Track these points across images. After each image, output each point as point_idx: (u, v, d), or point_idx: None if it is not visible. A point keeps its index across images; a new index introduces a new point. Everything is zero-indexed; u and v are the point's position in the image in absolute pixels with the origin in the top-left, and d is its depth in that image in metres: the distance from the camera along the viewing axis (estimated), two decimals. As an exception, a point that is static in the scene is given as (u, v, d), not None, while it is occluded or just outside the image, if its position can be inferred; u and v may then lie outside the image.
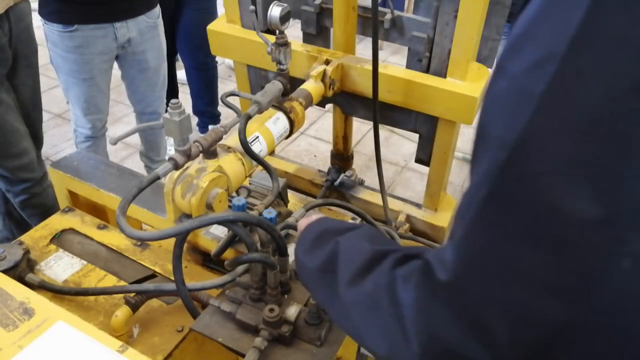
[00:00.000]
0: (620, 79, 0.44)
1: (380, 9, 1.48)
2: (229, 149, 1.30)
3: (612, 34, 0.44)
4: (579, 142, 0.46)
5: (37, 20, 2.13)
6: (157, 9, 2.39)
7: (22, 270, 1.32)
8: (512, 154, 0.49)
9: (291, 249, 1.30)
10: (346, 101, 1.72)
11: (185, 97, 3.63)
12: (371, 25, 1.42)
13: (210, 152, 1.23)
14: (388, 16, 1.56)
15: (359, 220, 1.44)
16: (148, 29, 2.34)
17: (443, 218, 1.79)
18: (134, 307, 1.25)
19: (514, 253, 0.50)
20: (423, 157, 1.74)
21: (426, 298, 0.58)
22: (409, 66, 1.59)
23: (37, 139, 2.22)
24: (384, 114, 1.63)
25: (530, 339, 0.52)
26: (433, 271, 0.57)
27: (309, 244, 0.87)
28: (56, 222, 1.58)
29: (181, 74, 3.57)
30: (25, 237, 1.51)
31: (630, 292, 0.48)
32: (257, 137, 1.34)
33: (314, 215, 1.00)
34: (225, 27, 1.76)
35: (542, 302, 0.50)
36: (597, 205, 0.45)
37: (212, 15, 3.05)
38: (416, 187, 3.23)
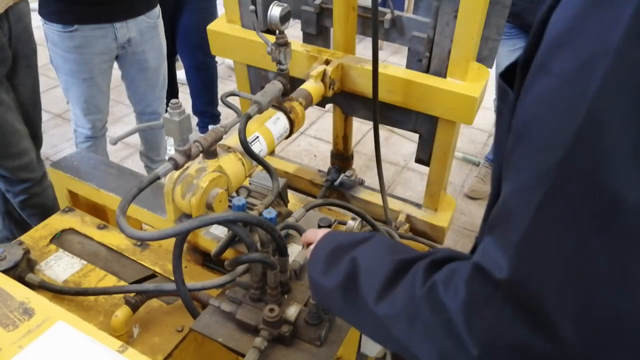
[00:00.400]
0: None
1: (380, 9, 1.48)
2: (229, 149, 1.30)
3: None
4: (636, 137, 0.46)
5: (36, 21, 2.13)
6: (157, 9, 2.39)
7: (22, 270, 1.32)
8: (570, 152, 0.50)
9: (291, 249, 1.30)
10: (346, 101, 1.72)
11: (185, 97, 3.63)
12: (371, 25, 1.42)
13: (210, 152, 1.23)
14: (388, 16, 1.56)
15: (358, 220, 1.44)
16: (148, 29, 2.34)
17: (443, 218, 1.79)
18: (134, 307, 1.25)
19: (578, 247, 0.51)
20: (423, 157, 1.74)
21: (481, 300, 0.58)
22: (409, 66, 1.59)
23: (37, 139, 2.22)
24: (384, 114, 1.63)
25: (595, 330, 0.52)
26: (488, 273, 0.57)
27: (322, 264, 0.85)
28: (56, 222, 1.58)
29: (181, 74, 3.57)
30: (25, 237, 1.51)
31: None
32: (257, 137, 1.34)
33: (320, 231, 0.99)
34: (225, 27, 1.76)
35: (607, 295, 0.51)
36: None
37: (212, 15, 3.05)
38: (416, 187, 3.23)
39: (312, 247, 0.95)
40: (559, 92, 0.51)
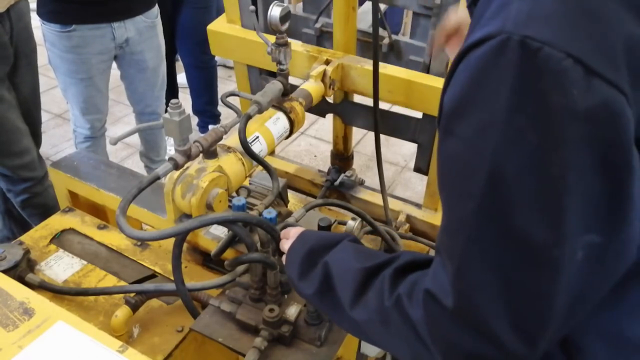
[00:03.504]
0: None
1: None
2: (229, 149, 1.30)
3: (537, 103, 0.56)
4: (530, 185, 0.58)
5: (36, 20, 2.13)
6: (156, 9, 2.39)
7: (22, 270, 1.32)
8: (480, 202, 0.61)
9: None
10: (346, 111, 1.74)
11: (185, 97, 3.63)
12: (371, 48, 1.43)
13: (210, 152, 1.23)
14: (386, 40, 1.60)
15: (358, 220, 1.44)
16: (146, 29, 2.34)
17: (443, 218, 1.78)
18: (134, 307, 1.25)
19: (500, 276, 0.63)
20: (422, 166, 1.75)
21: (436, 318, 0.69)
22: (409, 67, 1.60)
23: (37, 138, 2.22)
24: (383, 123, 1.64)
25: (532, 332, 0.64)
26: (437, 299, 0.68)
27: (299, 268, 0.94)
28: (56, 222, 1.58)
29: (181, 78, 3.57)
30: (26, 237, 1.51)
31: (584, 276, 0.62)
32: (257, 137, 1.34)
33: (292, 230, 1.03)
34: (225, 27, 1.76)
35: (533, 309, 0.63)
36: (546, 227, 0.59)
37: (211, 13, 3.05)
38: (416, 187, 3.22)
39: (285, 245, 1.02)
40: (464, 153, 0.63)
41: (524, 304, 0.63)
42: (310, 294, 0.92)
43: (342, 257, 0.90)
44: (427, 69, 1.53)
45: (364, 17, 1.73)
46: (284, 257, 1.01)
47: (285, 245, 1.01)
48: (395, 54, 1.64)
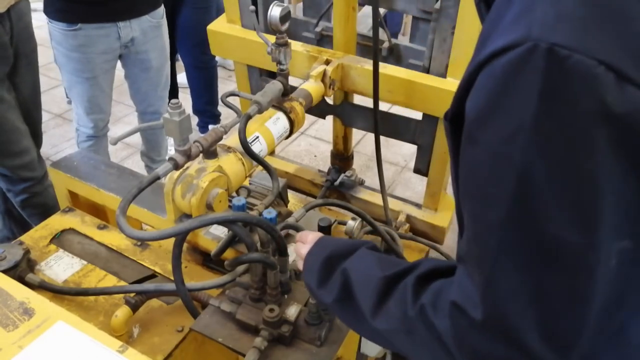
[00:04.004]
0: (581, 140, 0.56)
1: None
2: (229, 149, 1.30)
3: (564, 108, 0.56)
4: (561, 190, 0.58)
5: (37, 20, 2.13)
6: (161, 9, 2.40)
7: (22, 270, 1.32)
8: (510, 210, 0.60)
9: (291, 248, 1.30)
10: (346, 113, 1.74)
11: (185, 97, 3.63)
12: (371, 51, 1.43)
13: (210, 152, 1.23)
14: (385, 44, 1.60)
15: (358, 220, 1.44)
16: (151, 29, 2.35)
17: (443, 218, 1.79)
18: (134, 307, 1.25)
19: (533, 283, 0.62)
20: (422, 167, 1.75)
21: (463, 329, 0.69)
22: (408, 67, 1.60)
23: (37, 138, 2.22)
24: (383, 124, 1.65)
25: (559, 343, 0.63)
26: (465, 310, 0.67)
27: (317, 275, 0.93)
28: (56, 222, 1.58)
29: (181, 78, 3.58)
30: (26, 237, 1.51)
31: (617, 283, 0.62)
32: (257, 137, 1.34)
33: (310, 235, 1.02)
34: (225, 27, 1.76)
35: (564, 315, 0.62)
36: (578, 232, 0.58)
37: (211, 13, 3.05)
38: (416, 187, 3.22)
39: (302, 250, 1.00)
40: (489, 161, 0.62)
41: (557, 313, 0.62)
42: (329, 302, 0.90)
43: (362, 264, 0.88)
44: (426, 73, 1.53)
45: (364, 20, 1.74)
46: (300, 263, 1.00)
47: (303, 250, 0.99)
48: (395, 57, 1.65)
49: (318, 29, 1.71)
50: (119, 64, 2.41)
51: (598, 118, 0.54)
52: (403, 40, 4.95)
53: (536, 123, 0.56)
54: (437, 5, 1.44)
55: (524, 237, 0.61)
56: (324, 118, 1.85)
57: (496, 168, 0.61)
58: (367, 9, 1.71)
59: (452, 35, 1.40)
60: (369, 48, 1.55)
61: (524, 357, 0.64)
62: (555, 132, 0.56)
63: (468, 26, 1.37)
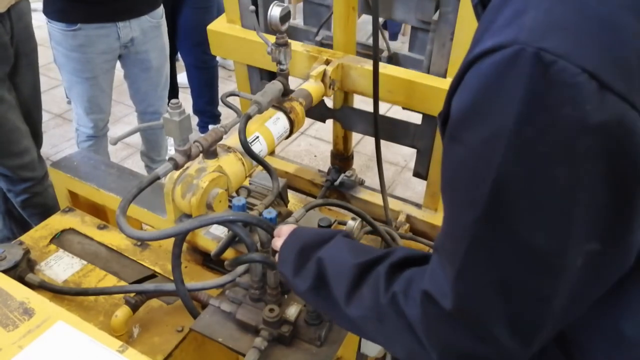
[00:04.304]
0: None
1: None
2: (229, 149, 1.30)
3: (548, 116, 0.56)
4: (536, 195, 0.59)
5: (37, 20, 2.13)
6: (161, 9, 2.40)
7: (22, 270, 1.32)
8: (484, 210, 0.61)
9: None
10: (346, 116, 1.74)
11: (185, 97, 3.63)
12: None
13: (210, 152, 1.23)
14: (385, 53, 1.61)
15: (358, 220, 1.44)
16: (151, 29, 2.35)
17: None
18: (134, 307, 1.25)
19: (500, 279, 0.64)
20: (421, 171, 1.76)
21: (434, 319, 0.71)
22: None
23: (37, 138, 2.22)
24: (382, 128, 1.65)
25: (529, 332, 0.66)
26: (435, 300, 0.69)
27: (292, 264, 0.93)
28: (56, 222, 1.58)
29: (181, 77, 3.58)
30: (26, 237, 1.51)
31: (579, 282, 0.64)
32: (257, 137, 1.34)
33: (285, 227, 1.03)
34: (225, 27, 1.76)
35: (531, 308, 0.65)
36: (549, 237, 0.60)
37: (211, 13, 3.05)
38: (416, 187, 3.22)
39: (276, 241, 1.01)
40: (470, 160, 0.63)
41: (523, 307, 0.64)
42: (304, 290, 0.91)
43: (336, 252, 0.90)
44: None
45: (363, 27, 1.74)
46: (276, 255, 1.01)
47: (278, 242, 1.00)
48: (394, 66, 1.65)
49: (318, 38, 1.71)
50: (118, 64, 2.41)
51: (577, 126, 0.55)
52: (403, 39, 4.94)
53: (516, 127, 0.57)
54: (435, 17, 1.44)
55: (495, 237, 0.63)
56: (324, 122, 1.85)
57: (475, 168, 0.62)
58: (366, 16, 1.72)
59: (451, 40, 1.41)
60: (369, 57, 1.56)
61: (490, 347, 0.67)
62: (535, 138, 0.57)
63: (468, 27, 1.37)
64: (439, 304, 0.68)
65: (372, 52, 1.44)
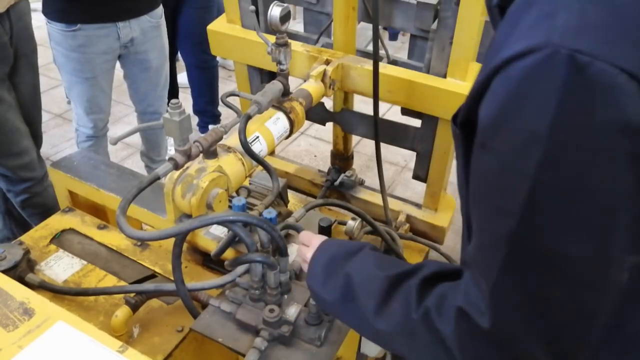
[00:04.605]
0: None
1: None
2: (229, 149, 1.30)
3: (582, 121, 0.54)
4: (574, 203, 0.57)
5: (37, 20, 2.13)
6: (160, 9, 2.40)
7: (22, 270, 1.32)
8: (519, 222, 0.59)
9: (291, 249, 1.30)
10: (345, 120, 1.75)
11: (185, 97, 3.63)
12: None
13: (210, 152, 1.23)
14: (384, 60, 1.61)
15: (358, 220, 1.44)
16: (151, 29, 2.35)
17: (443, 218, 1.79)
18: (134, 307, 1.25)
19: (538, 295, 0.62)
20: (420, 174, 1.76)
21: (469, 336, 0.68)
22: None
23: (37, 138, 2.22)
24: (382, 132, 1.65)
25: (569, 352, 0.64)
26: (471, 317, 0.67)
27: (320, 277, 0.93)
28: (56, 222, 1.58)
29: (181, 77, 3.58)
30: (26, 237, 1.51)
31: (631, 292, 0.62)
32: (257, 137, 1.34)
33: (315, 238, 1.02)
34: (225, 27, 1.76)
35: (569, 327, 0.62)
36: (589, 247, 0.58)
37: (211, 13, 3.05)
38: (416, 187, 3.22)
39: (307, 254, 1.00)
40: (501, 169, 0.60)
41: (563, 325, 0.62)
42: (330, 302, 0.91)
43: (364, 265, 0.88)
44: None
45: (363, 33, 1.75)
46: (304, 266, 1.01)
47: (307, 253, 0.99)
48: None
49: (318, 45, 1.72)
50: (118, 64, 2.41)
51: (618, 129, 0.53)
52: (403, 39, 4.93)
53: (552, 133, 0.55)
54: (434, 26, 1.45)
55: (532, 249, 0.60)
56: (324, 125, 1.85)
57: (508, 178, 0.59)
58: (366, 23, 1.73)
59: (450, 44, 1.42)
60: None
61: None
62: (572, 143, 0.54)
63: (467, 32, 1.37)
64: (474, 321, 0.66)
65: (373, 54, 1.44)
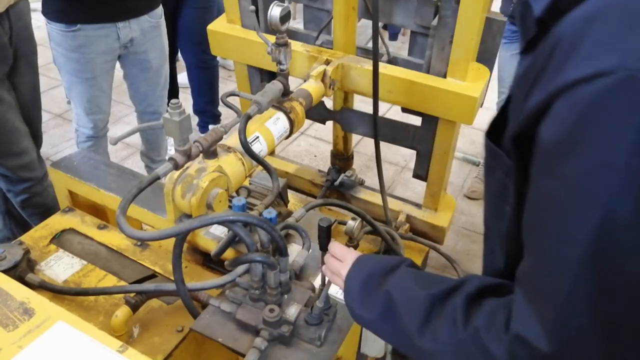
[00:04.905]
0: None
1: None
2: (229, 149, 1.30)
3: None
4: None
5: (37, 21, 2.13)
6: (160, 9, 2.40)
7: (22, 270, 1.32)
8: (589, 248, 0.58)
9: (291, 249, 1.30)
10: (345, 118, 1.74)
11: (185, 97, 3.63)
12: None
13: (210, 152, 1.23)
14: (385, 57, 1.60)
15: (358, 220, 1.44)
16: (150, 29, 2.35)
17: (443, 218, 1.79)
18: (134, 307, 1.25)
19: (606, 321, 0.61)
20: (421, 173, 1.76)
21: (523, 358, 0.66)
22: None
23: (37, 138, 2.22)
24: (382, 130, 1.65)
25: None
26: (529, 342, 0.65)
27: (358, 295, 0.92)
28: (56, 222, 1.58)
29: (181, 77, 3.58)
30: (26, 237, 1.51)
31: None
32: (257, 137, 1.34)
33: (349, 256, 1.00)
34: (225, 27, 1.76)
35: (637, 347, 0.62)
36: None
37: (212, 13, 3.05)
38: (416, 187, 3.22)
39: (340, 268, 0.99)
40: (567, 194, 0.59)
41: (626, 348, 0.61)
42: (369, 321, 0.90)
43: (404, 283, 0.87)
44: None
45: (363, 31, 1.75)
46: (336, 280, 1.00)
47: (342, 270, 0.98)
48: None
49: (318, 42, 1.72)
50: (117, 64, 2.41)
51: None
52: (403, 39, 4.93)
53: (629, 159, 0.53)
54: (435, 22, 1.45)
55: (602, 275, 0.59)
56: (324, 124, 1.85)
57: (574, 203, 0.58)
58: (366, 20, 1.73)
59: (450, 44, 1.42)
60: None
61: None
62: None
63: (467, 31, 1.37)
64: (531, 345, 0.65)
65: (372, 54, 1.44)
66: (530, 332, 0.65)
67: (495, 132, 0.76)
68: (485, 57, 1.52)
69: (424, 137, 1.65)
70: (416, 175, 1.79)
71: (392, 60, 1.66)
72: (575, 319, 0.62)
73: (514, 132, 0.67)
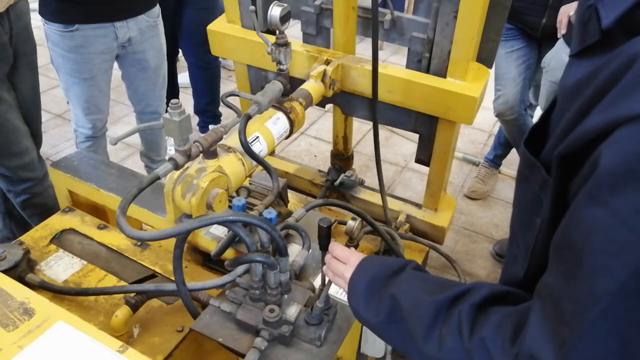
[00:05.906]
0: None
1: (380, 9, 1.48)
2: (229, 149, 1.30)
3: None
4: None
5: (36, 20, 2.13)
6: (157, 9, 2.39)
7: (22, 270, 1.32)
8: (624, 286, 0.57)
9: (291, 249, 1.30)
10: (346, 101, 1.73)
11: (186, 97, 3.63)
12: (371, 25, 1.42)
13: (210, 152, 1.23)
14: (388, 17, 1.56)
15: (358, 220, 1.44)
16: (148, 29, 2.34)
17: (443, 218, 1.79)
18: (134, 307, 1.25)
19: (624, 349, 0.60)
20: (423, 157, 1.74)
21: None
22: (408, 66, 1.59)
23: (37, 138, 2.22)
24: (384, 114, 1.63)
25: None
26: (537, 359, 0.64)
27: (363, 297, 0.92)
28: (56, 222, 1.58)
29: (182, 78, 3.58)
30: (26, 237, 1.51)
31: None
32: (257, 137, 1.34)
33: (353, 258, 1.00)
34: (225, 27, 1.76)
35: None
36: None
37: (214, 13, 3.05)
38: (416, 187, 3.22)
39: (343, 270, 0.98)
40: (614, 227, 0.57)
41: None
42: (374, 323, 0.90)
43: (410, 287, 0.87)
44: (430, 45, 1.49)
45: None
46: (341, 283, 1.00)
47: (346, 272, 0.98)
48: (398, 31, 1.59)
49: (317, 2, 1.65)
50: (116, 64, 2.41)
51: None
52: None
53: None
54: None
55: (632, 314, 0.59)
56: (324, 107, 1.83)
57: (619, 237, 0.57)
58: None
59: (454, 19, 1.37)
60: (369, 21, 1.51)
61: None
62: None
63: (471, 7, 1.35)
64: None
65: (372, 54, 1.44)
66: (541, 351, 0.65)
67: (534, 139, 0.73)
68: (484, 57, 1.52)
69: (426, 120, 1.62)
70: (418, 160, 1.77)
71: (396, 20, 1.58)
72: (592, 350, 0.61)
73: (563, 151, 0.64)
